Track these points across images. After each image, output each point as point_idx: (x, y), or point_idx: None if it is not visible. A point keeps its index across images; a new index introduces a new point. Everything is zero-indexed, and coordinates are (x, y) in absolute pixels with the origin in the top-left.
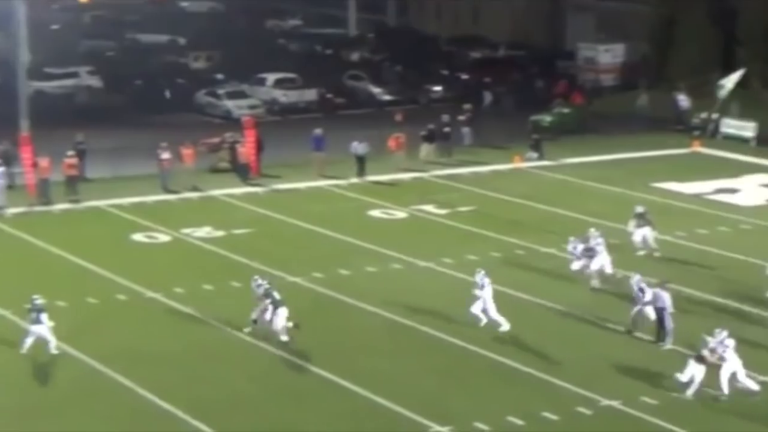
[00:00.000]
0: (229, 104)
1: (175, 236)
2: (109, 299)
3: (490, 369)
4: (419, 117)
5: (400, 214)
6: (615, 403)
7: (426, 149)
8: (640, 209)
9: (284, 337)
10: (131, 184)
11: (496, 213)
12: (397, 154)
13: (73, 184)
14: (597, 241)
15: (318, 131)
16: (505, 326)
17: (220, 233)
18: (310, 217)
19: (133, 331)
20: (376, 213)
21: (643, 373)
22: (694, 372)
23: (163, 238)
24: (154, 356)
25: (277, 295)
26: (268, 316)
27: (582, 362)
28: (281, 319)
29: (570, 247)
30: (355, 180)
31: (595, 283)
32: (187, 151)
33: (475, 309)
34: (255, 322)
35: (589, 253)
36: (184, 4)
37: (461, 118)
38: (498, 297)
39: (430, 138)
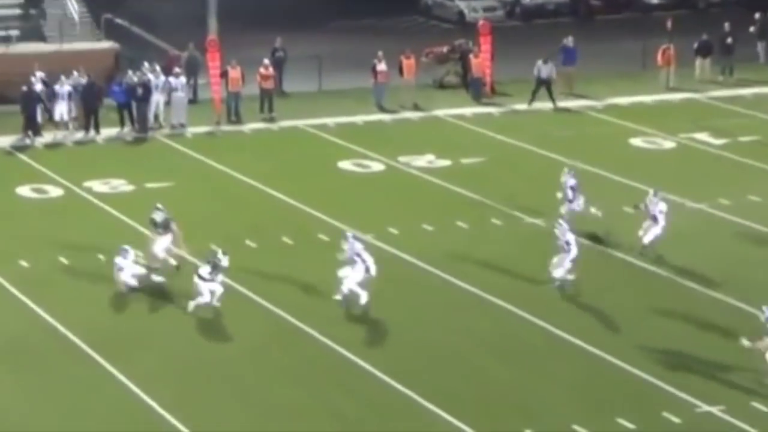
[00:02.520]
0: (462, 5)
1: (391, 165)
2: (310, 240)
3: None
4: (695, 25)
5: (667, 144)
6: None
7: (701, 65)
8: None
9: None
10: (338, 100)
11: None
12: (666, 70)
13: (269, 100)
14: (658, 208)
15: (568, 40)
16: (363, 298)
17: (444, 162)
18: (555, 144)
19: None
20: (636, 141)
21: None
22: None
23: (376, 166)
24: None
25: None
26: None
27: None
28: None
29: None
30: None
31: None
32: (408, 62)
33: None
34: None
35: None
36: None
37: (751, 29)
38: None
39: (705, 51)
